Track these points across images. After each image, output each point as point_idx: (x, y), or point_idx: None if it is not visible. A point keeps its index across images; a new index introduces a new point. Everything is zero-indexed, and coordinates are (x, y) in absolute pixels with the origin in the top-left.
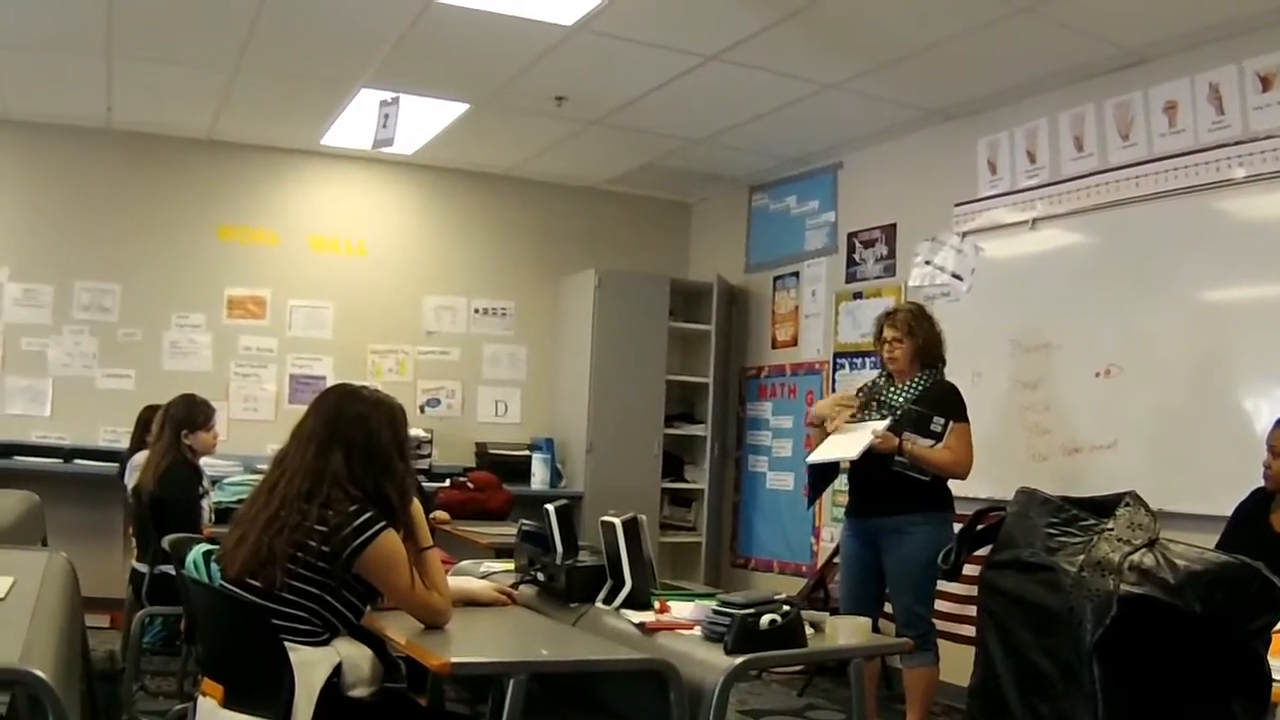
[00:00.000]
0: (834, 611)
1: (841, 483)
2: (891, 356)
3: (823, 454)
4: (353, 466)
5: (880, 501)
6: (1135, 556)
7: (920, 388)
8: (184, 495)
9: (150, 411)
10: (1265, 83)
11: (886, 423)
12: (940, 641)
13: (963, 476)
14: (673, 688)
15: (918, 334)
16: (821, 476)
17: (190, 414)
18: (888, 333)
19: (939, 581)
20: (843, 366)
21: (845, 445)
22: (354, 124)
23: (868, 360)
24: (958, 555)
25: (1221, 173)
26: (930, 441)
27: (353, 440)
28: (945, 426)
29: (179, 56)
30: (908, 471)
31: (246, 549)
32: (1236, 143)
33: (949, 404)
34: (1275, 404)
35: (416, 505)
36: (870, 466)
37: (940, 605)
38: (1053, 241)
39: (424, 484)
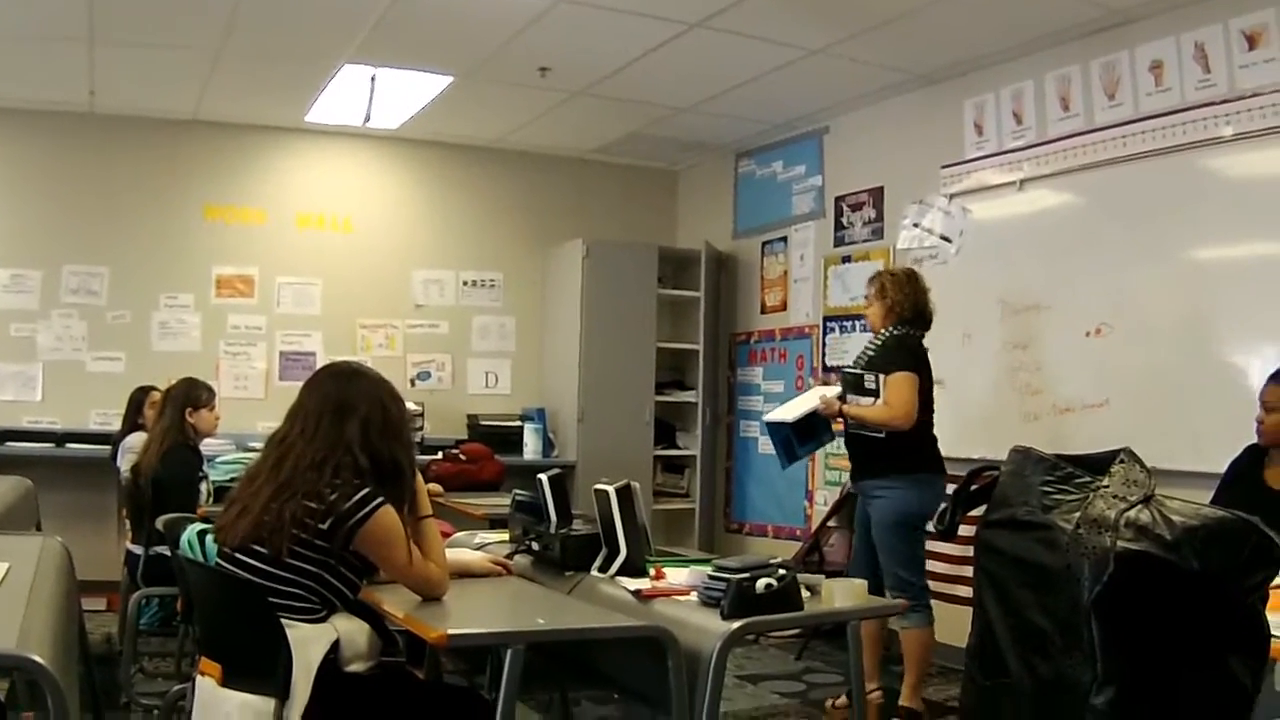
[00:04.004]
0: (829, 574)
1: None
2: (868, 314)
3: (774, 414)
4: (369, 435)
5: (859, 465)
6: (1131, 513)
7: (878, 344)
8: (185, 477)
9: (142, 393)
10: (1251, 41)
11: (837, 389)
12: (937, 602)
13: (903, 426)
14: (670, 654)
15: (888, 295)
16: (786, 436)
17: (193, 392)
18: (868, 291)
19: (936, 542)
20: (832, 330)
21: (792, 408)
22: (338, 100)
23: (857, 323)
24: (952, 515)
25: (1209, 131)
26: (870, 399)
27: (368, 411)
28: (878, 381)
29: (161, 38)
30: (864, 432)
31: (250, 518)
32: (1223, 101)
33: (885, 358)
34: (1266, 360)
35: (418, 474)
36: (849, 431)
37: (936, 566)
38: (1040, 202)
39: (418, 456)
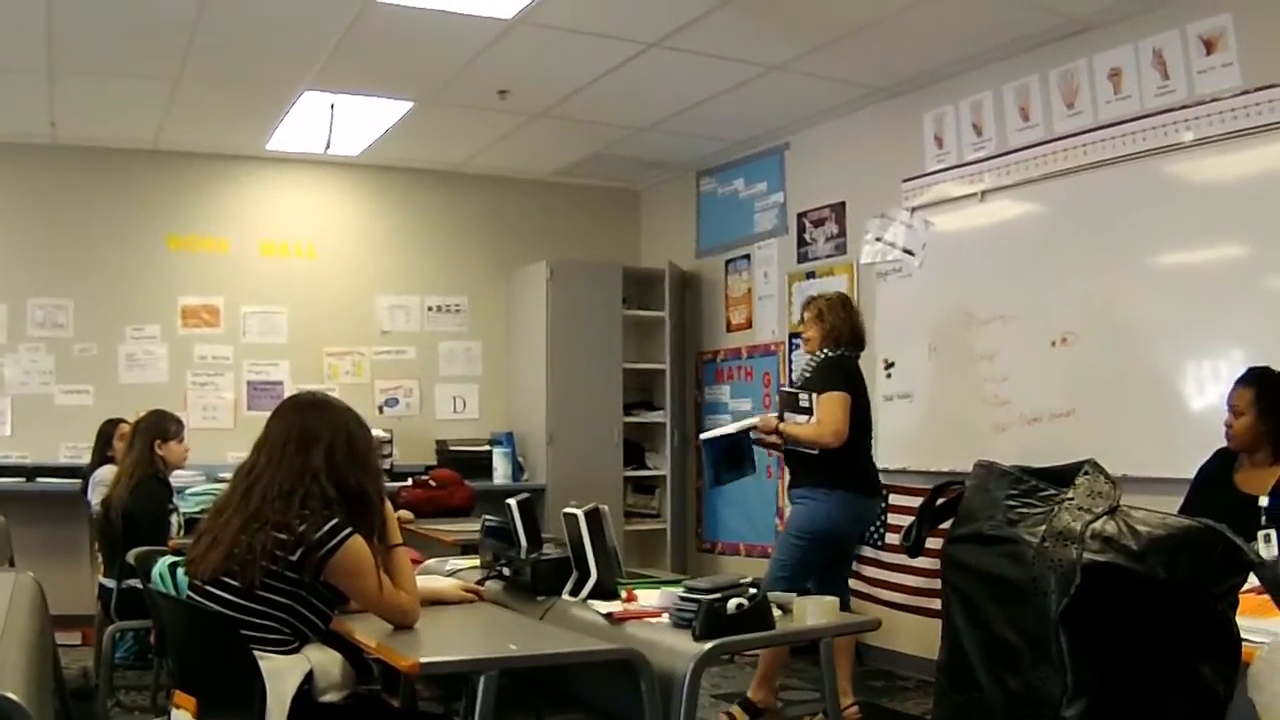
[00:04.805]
0: (801, 591)
1: None
2: (806, 339)
3: (712, 431)
4: (334, 463)
5: (793, 475)
6: (1097, 525)
7: (814, 365)
8: (155, 510)
9: (110, 426)
10: (1209, 46)
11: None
12: (909, 615)
13: (832, 444)
14: (643, 676)
15: (827, 320)
16: (717, 456)
17: (162, 424)
18: (805, 316)
19: (904, 556)
20: (798, 346)
21: (727, 427)
22: (299, 127)
23: None
24: (919, 531)
25: (1169, 137)
26: (804, 417)
27: (332, 439)
28: (811, 400)
29: (120, 69)
30: (798, 448)
31: (221, 550)
32: (1183, 106)
33: (818, 378)
34: (1233, 364)
35: (387, 503)
36: (787, 446)
37: (907, 579)
38: (1003, 213)
39: (387, 483)
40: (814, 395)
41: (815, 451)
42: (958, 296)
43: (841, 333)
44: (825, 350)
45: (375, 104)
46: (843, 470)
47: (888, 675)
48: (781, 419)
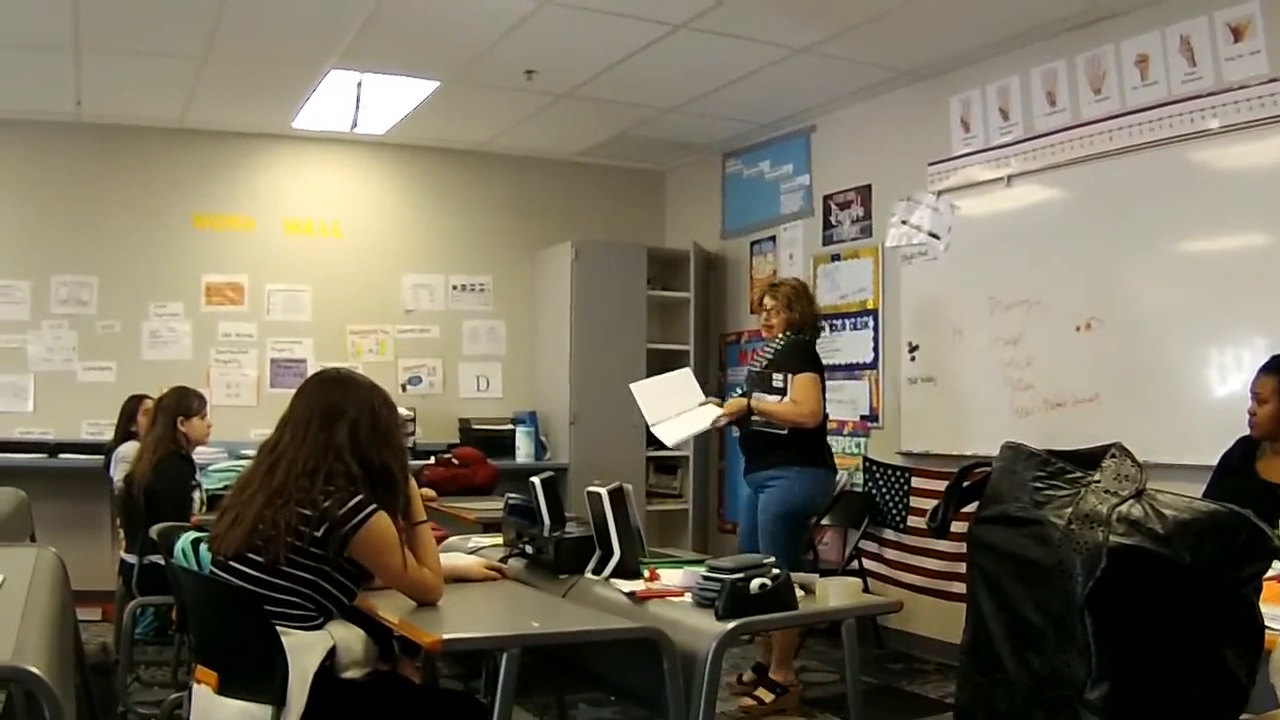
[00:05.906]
0: (823, 573)
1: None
2: (767, 325)
3: (667, 437)
4: (358, 440)
5: (753, 456)
6: (1123, 508)
7: (777, 348)
8: (178, 486)
9: (134, 402)
10: (1236, 33)
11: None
12: (929, 598)
13: (810, 423)
14: (665, 655)
15: (795, 308)
16: None
17: (185, 400)
18: (768, 302)
19: (929, 539)
20: (821, 328)
21: (691, 423)
22: (325, 106)
23: (847, 321)
24: (945, 512)
25: (1195, 124)
26: (776, 397)
27: (357, 415)
28: (786, 381)
29: (146, 47)
30: (766, 428)
31: (244, 527)
32: (1210, 94)
33: (791, 359)
34: (1256, 352)
35: (411, 480)
36: (752, 428)
37: (928, 563)
38: (1029, 197)
39: (410, 461)
40: (789, 376)
41: (784, 431)
42: (983, 280)
43: (806, 319)
44: (789, 333)
45: (402, 83)
46: (812, 448)
47: (907, 658)
48: (748, 397)
